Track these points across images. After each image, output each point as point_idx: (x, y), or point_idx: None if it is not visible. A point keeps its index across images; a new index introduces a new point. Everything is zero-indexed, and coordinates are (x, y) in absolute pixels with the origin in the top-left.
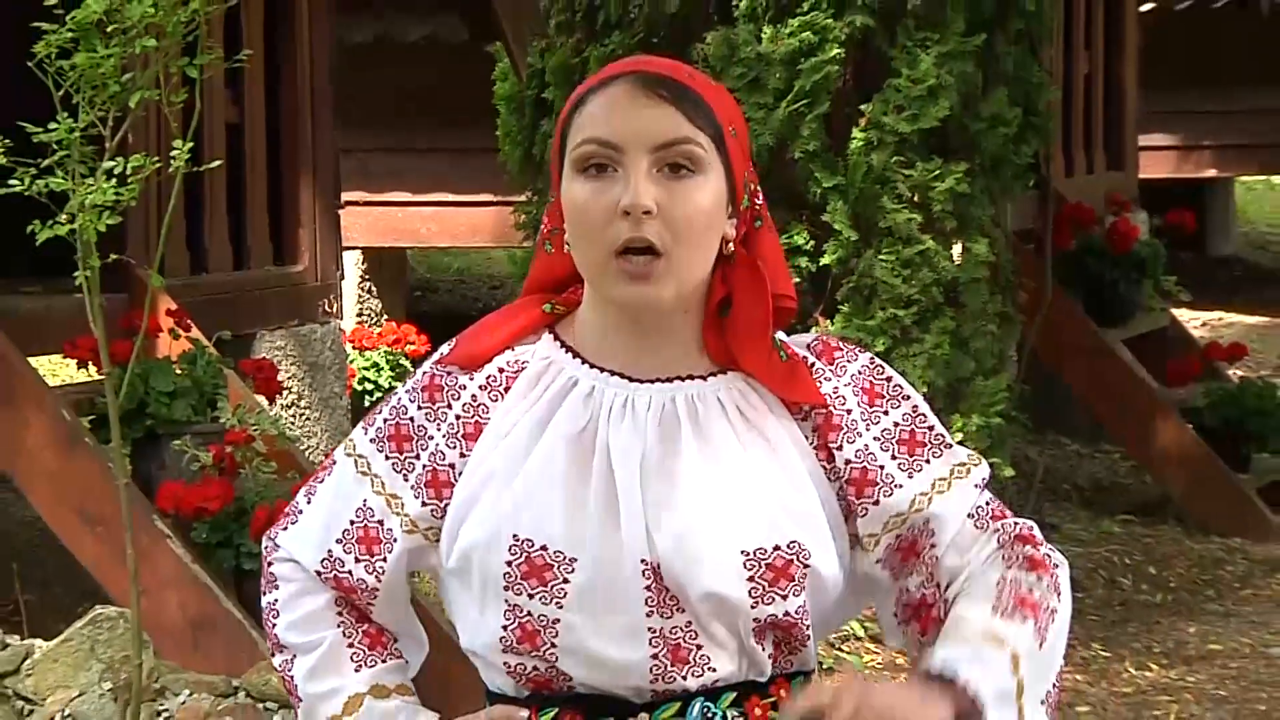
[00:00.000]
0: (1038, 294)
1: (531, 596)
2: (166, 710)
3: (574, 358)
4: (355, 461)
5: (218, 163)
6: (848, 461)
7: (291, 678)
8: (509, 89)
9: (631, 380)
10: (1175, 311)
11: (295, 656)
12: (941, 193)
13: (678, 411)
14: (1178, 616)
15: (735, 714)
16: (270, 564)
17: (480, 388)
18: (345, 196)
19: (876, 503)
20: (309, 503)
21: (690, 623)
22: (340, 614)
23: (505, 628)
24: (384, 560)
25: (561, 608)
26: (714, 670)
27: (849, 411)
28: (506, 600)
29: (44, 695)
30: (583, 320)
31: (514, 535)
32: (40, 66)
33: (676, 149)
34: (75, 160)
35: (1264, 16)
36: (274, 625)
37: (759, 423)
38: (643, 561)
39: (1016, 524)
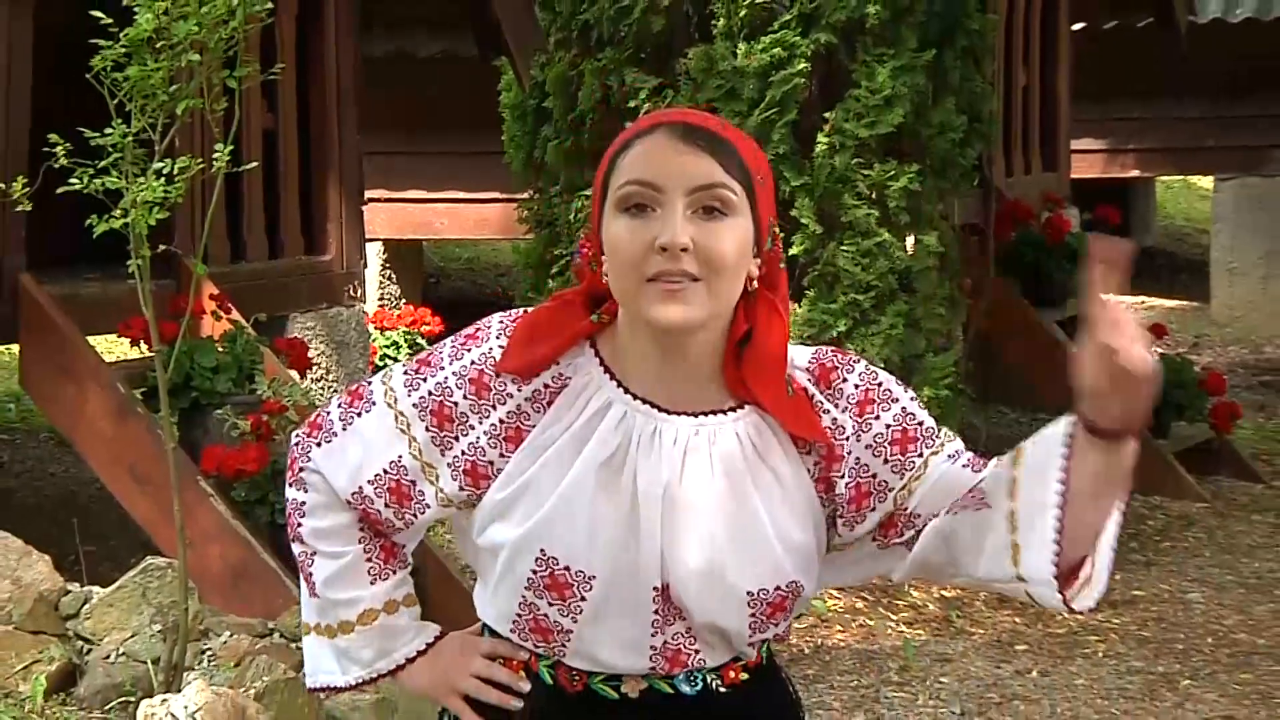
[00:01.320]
0: (982, 280)
1: (551, 605)
2: (209, 649)
3: (611, 379)
4: (395, 416)
5: (255, 164)
6: (847, 485)
7: (311, 574)
8: (513, 98)
9: (661, 410)
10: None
11: (316, 556)
12: (896, 191)
13: (701, 447)
14: None
15: (713, 678)
16: (301, 468)
17: (526, 399)
18: (368, 194)
19: (873, 509)
20: (344, 429)
21: (690, 629)
22: (362, 531)
23: (519, 617)
24: (414, 515)
25: (576, 621)
26: (704, 661)
27: (848, 439)
28: (524, 597)
29: (101, 636)
30: (621, 341)
31: (542, 549)
32: (97, 78)
33: (711, 192)
34: (128, 162)
35: (1182, 35)
36: (299, 523)
37: (770, 458)
38: (655, 587)
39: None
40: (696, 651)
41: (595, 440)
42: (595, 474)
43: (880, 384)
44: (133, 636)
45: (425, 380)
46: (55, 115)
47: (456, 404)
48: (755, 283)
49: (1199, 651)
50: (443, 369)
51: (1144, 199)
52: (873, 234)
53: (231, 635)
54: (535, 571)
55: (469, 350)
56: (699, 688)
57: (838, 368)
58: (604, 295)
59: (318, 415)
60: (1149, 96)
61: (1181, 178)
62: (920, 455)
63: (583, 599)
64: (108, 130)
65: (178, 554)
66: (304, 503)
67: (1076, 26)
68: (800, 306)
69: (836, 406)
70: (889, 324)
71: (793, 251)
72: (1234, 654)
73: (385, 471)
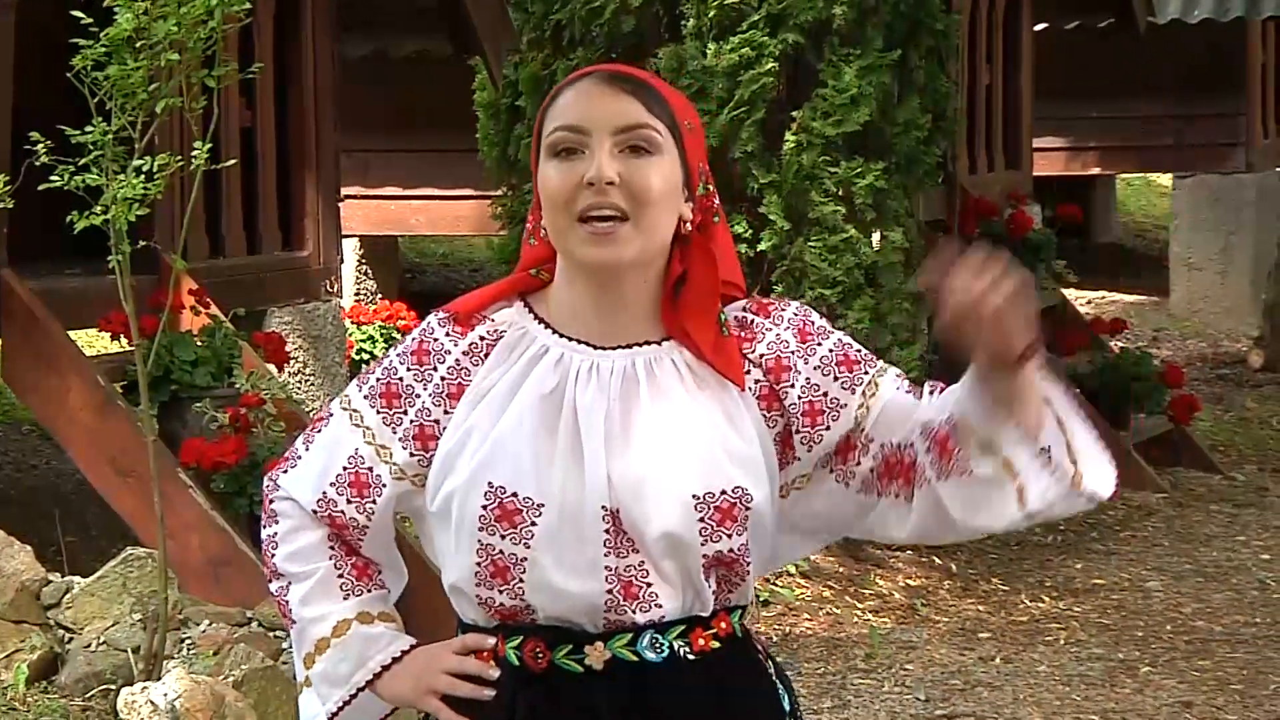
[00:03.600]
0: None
1: (503, 537)
2: (189, 638)
3: (545, 328)
4: (350, 415)
5: (233, 161)
6: (799, 398)
7: (286, 602)
8: (487, 97)
9: (596, 348)
10: (1065, 291)
11: (291, 584)
12: (863, 188)
13: (637, 373)
14: (1066, 555)
15: (681, 644)
16: (271, 501)
17: (463, 353)
18: (345, 191)
19: (828, 428)
20: (307, 449)
21: (643, 562)
22: (332, 548)
23: (479, 564)
24: (373, 502)
25: (529, 548)
26: (660, 607)
27: (793, 352)
28: (480, 540)
29: (82, 625)
30: (555, 295)
31: (489, 483)
32: (78, 77)
33: (636, 132)
34: (108, 159)
35: (1141, 35)
36: (273, 555)
37: (708, 378)
38: (603, 507)
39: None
40: (649, 584)
41: (533, 379)
42: (535, 408)
43: (813, 320)
44: (113, 625)
45: (373, 373)
46: (36, 113)
47: (401, 379)
48: (688, 225)
49: (1158, 639)
50: (388, 357)
51: (1105, 196)
52: (839, 230)
53: (210, 624)
54: (485, 506)
55: (409, 334)
56: (665, 654)
57: (774, 303)
58: (543, 264)
59: (283, 454)
60: (1110, 95)
61: (1141, 175)
62: (867, 374)
63: (533, 524)
64: (88, 128)
65: (158, 544)
66: (275, 534)
67: (1039, 27)
68: None
69: (779, 325)
70: (855, 319)
71: (762, 247)
72: (1192, 641)
73: (345, 468)
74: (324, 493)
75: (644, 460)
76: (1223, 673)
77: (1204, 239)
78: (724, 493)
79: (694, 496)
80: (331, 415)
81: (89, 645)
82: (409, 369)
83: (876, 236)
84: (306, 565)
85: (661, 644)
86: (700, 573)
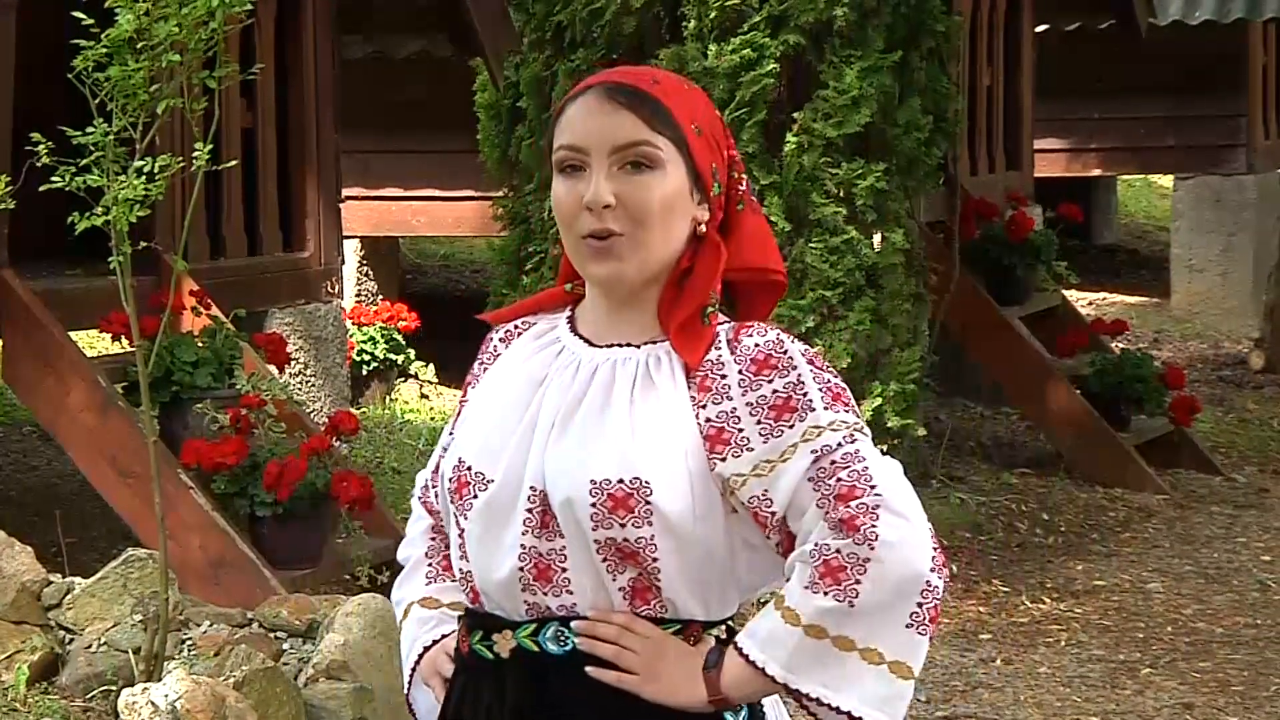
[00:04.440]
0: (946, 277)
1: (458, 511)
2: (189, 639)
3: (568, 326)
4: (457, 410)
5: (234, 162)
6: (708, 420)
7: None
8: (488, 98)
9: (593, 346)
10: (1065, 292)
11: (402, 572)
12: (863, 189)
13: (604, 371)
14: (1067, 556)
15: (583, 640)
16: (418, 496)
17: (500, 340)
18: (346, 192)
19: (724, 459)
20: (438, 449)
21: (564, 547)
22: (432, 538)
23: (458, 538)
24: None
25: (467, 519)
26: (571, 594)
27: (724, 377)
28: (451, 512)
29: (82, 626)
30: (584, 299)
31: (459, 458)
32: (79, 78)
33: (633, 150)
34: (109, 160)
35: (1142, 37)
36: (402, 557)
37: (661, 382)
38: (532, 488)
39: (852, 485)
40: (564, 569)
41: (530, 365)
42: (519, 391)
43: (785, 352)
44: (114, 626)
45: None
46: (37, 114)
47: (474, 371)
48: (703, 227)
49: (1159, 640)
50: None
51: (1106, 197)
52: (840, 231)
53: (211, 625)
54: (451, 479)
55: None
56: (568, 648)
57: (752, 328)
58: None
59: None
60: (1111, 97)
61: (1142, 176)
62: (791, 426)
63: (475, 496)
64: (89, 129)
65: (158, 545)
66: (404, 536)
67: (1040, 28)
68: None
69: (732, 352)
70: (856, 320)
71: None
72: (1193, 642)
73: (438, 459)
74: (427, 484)
75: (571, 448)
76: (1223, 674)
77: (1205, 240)
78: (620, 481)
79: (591, 481)
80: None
81: (89, 646)
82: (479, 363)
83: (877, 238)
84: (408, 550)
85: (566, 637)
86: (600, 560)
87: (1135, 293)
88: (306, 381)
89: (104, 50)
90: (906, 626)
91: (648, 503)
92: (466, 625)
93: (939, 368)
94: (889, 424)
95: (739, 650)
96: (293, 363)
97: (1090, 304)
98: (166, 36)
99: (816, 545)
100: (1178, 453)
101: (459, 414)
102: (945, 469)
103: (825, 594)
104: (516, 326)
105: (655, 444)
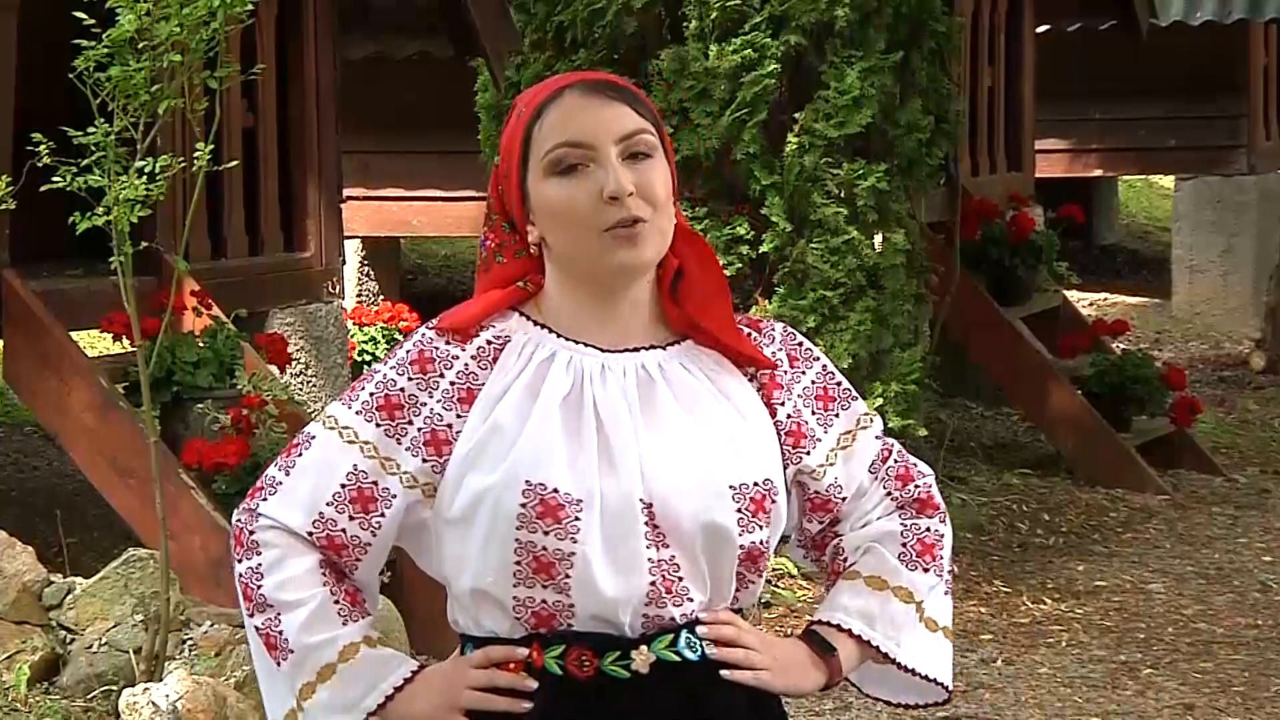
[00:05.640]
0: (947, 277)
1: (547, 533)
2: (190, 639)
3: (549, 333)
4: (340, 434)
5: (235, 162)
6: (789, 416)
7: (280, 633)
8: (489, 99)
9: (603, 351)
10: (1066, 293)
11: (282, 613)
12: (864, 190)
13: (650, 374)
14: (1068, 557)
15: (708, 644)
16: (251, 532)
17: (472, 358)
18: (347, 192)
19: (808, 453)
20: (288, 474)
21: (674, 556)
22: (324, 574)
23: (519, 563)
24: (381, 515)
25: (576, 541)
26: (691, 601)
27: (785, 372)
28: (518, 539)
29: (84, 626)
30: (550, 303)
31: (527, 481)
32: (80, 78)
33: (636, 138)
34: (111, 160)
35: (1143, 37)
36: (259, 586)
37: (720, 380)
38: (640, 500)
39: (907, 467)
40: (680, 579)
41: (549, 383)
42: (559, 411)
43: (801, 343)
44: (115, 626)
45: (362, 390)
46: (38, 114)
47: (403, 389)
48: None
49: (1160, 640)
50: (378, 372)
51: (1107, 198)
52: (841, 232)
53: (212, 625)
54: (524, 504)
55: (401, 347)
56: (699, 653)
57: (763, 322)
58: (515, 278)
59: (254, 486)
60: (1112, 97)
61: (1143, 177)
62: (838, 415)
63: (577, 519)
64: (91, 129)
65: (159, 545)
66: (259, 565)
67: (1041, 29)
68: (770, 303)
69: (772, 344)
70: (857, 320)
71: (763, 249)
72: (1194, 643)
73: (343, 485)
74: (320, 513)
75: (676, 454)
76: (1224, 675)
77: (1206, 241)
78: (755, 484)
79: (731, 487)
80: (313, 438)
81: (90, 646)
82: (410, 379)
83: (879, 238)
84: (301, 593)
85: (695, 643)
86: (734, 565)
87: (1136, 293)
88: (307, 382)
89: (105, 50)
90: (946, 594)
91: (774, 503)
92: (591, 648)
93: (940, 368)
94: (890, 424)
95: (853, 634)
96: (294, 363)
97: (1091, 304)
98: (168, 36)
99: (905, 525)
100: (1179, 453)
101: (455, 436)
102: (946, 469)
103: (926, 570)
104: (490, 342)
105: (762, 443)
